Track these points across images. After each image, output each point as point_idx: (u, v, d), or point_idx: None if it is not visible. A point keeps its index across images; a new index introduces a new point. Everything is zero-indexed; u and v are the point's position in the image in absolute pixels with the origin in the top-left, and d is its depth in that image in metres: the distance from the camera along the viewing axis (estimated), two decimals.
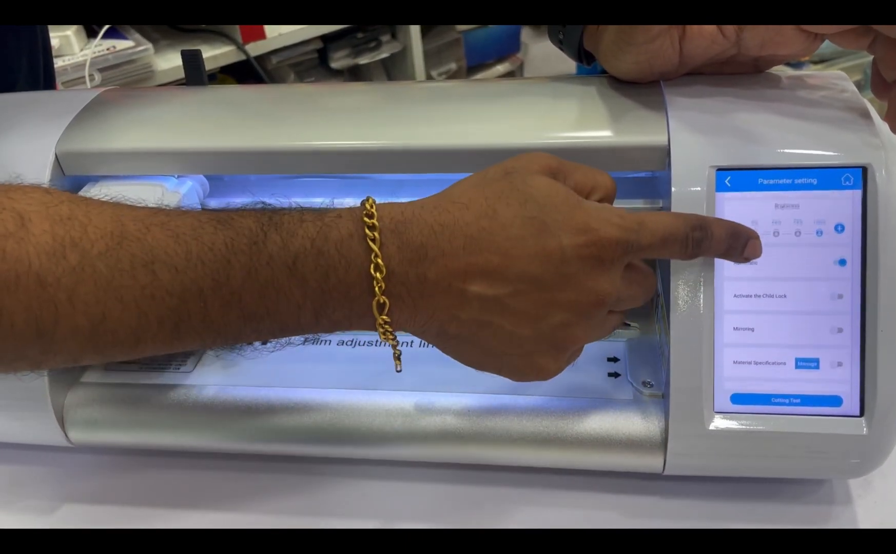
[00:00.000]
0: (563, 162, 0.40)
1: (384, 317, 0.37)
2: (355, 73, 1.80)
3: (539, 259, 0.36)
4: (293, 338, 0.39)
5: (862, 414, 0.42)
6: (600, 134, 0.44)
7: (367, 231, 0.36)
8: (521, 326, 0.38)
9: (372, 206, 0.37)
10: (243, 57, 1.53)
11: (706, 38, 0.42)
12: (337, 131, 0.48)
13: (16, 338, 0.33)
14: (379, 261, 0.36)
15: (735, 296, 0.42)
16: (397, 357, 0.41)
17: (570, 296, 0.37)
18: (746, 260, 0.40)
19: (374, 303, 0.36)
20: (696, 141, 0.42)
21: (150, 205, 0.37)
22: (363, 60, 1.76)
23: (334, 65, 1.74)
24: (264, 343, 0.40)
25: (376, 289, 0.36)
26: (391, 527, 0.47)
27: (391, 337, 0.38)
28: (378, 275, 0.36)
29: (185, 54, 0.58)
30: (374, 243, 0.36)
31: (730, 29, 0.41)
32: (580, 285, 0.37)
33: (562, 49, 0.51)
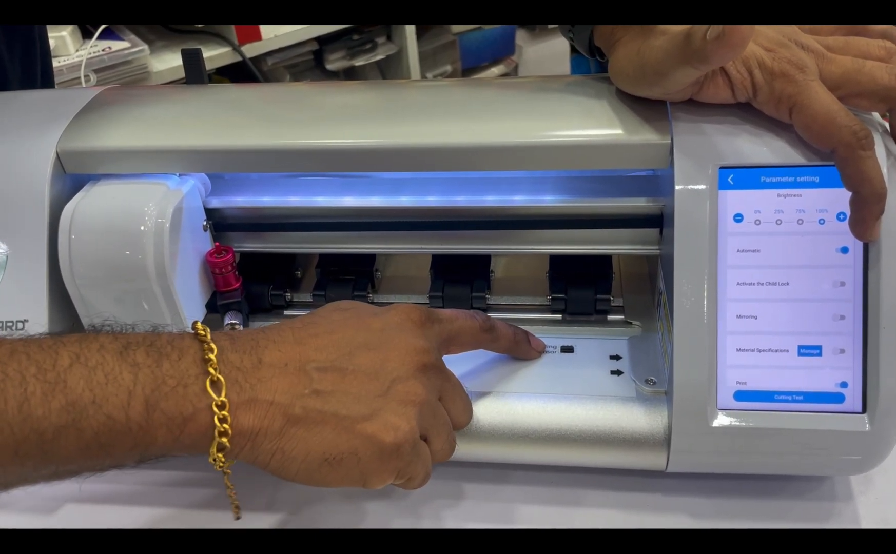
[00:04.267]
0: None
1: (221, 398, 0.35)
2: (350, 75, 1.80)
3: (363, 329, 0.41)
4: (120, 466, 0.36)
5: (864, 411, 0.42)
6: (604, 132, 0.44)
7: (199, 331, 0.37)
8: (365, 383, 0.39)
9: (200, 324, 0.38)
10: (239, 58, 1.53)
11: (719, 99, 0.43)
12: (338, 130, 0.48)
13: None
14: (211, 345, 0.36)
15: (738, 284, 0.42)
16: (236, 506, 0.43)
17: (397, 352, 0.40)
18: (538, 354, 0.50)
19: (209, 382, 0.35)
20: (699, 139, 0.43)
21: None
22: (358, 62, 1.76)
23: (330, 66, 1.74)
24: (79, 473, 0.36)
25: (210, 369, 0.35)
26: (392, 527, 0.47)
27: (227, 443, 0.35)
28: (211, 356, 0.36)
29: (185, 53, 0.58)
30: (206, 335, 0.37)
31: (742, 96, 0.42)
32: (402, 344, 0.41)
33: (572, 43, 0.51)
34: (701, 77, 0.42)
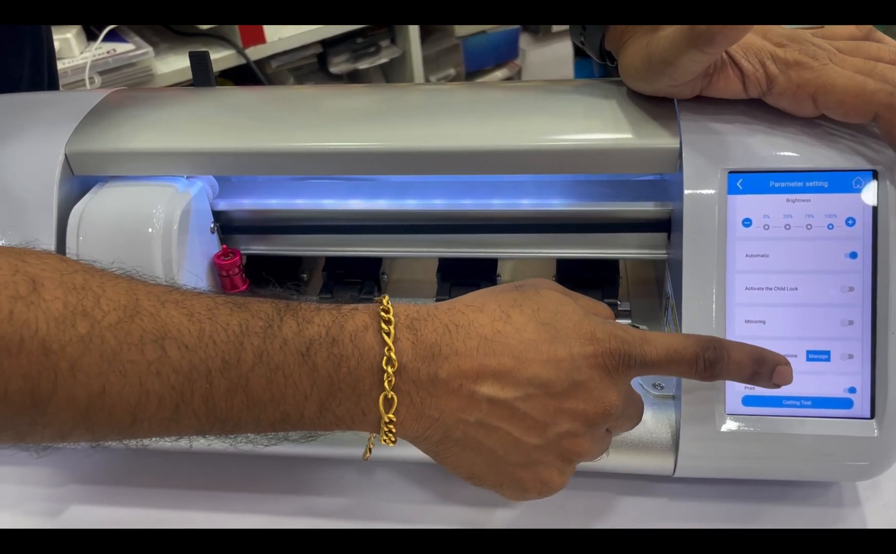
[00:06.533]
0: (568, 290, 0.41)
1: (390, 415, 0.36)
2: (354, 78, 1.80)
3: (551, 364, 0.37)
4: (291, 434, 0.38)
5: (872, 416, 0.42)
6: (613, 136, 0.44)
7: (382, 325, 0.36)
8: (529, 433, 0.37)
9: (387, 303, 0.37)
10: (243, 61, 1.53)
11: (729, 92, 0.43)
12: (345, 133, 0.48)
13: (7, 405, 0.31)
14: (392, 354, 0.35)
15: (747, 288, 0.42)
16: (369, 449, 0.43)
17: (578, 405, 0.37)
18: (776, 386, 0.39)
19: (382, 398, 0.36)
20: (708, 143, 0.43)
21: (163, 282, 0.37)
22: (362, 65, 1.76)
23: (333, 69, 1.74)
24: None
25: (386, 384, 0.35)
26: (399, 527, 0.47)
27: (392, 439, 0.37)
28: (389, 369, 0.35)
29: (193, 56, 0.58)
30: (389, 337, 0.36)
31: (755, 90, 0.42)
32: (589, 394, 0.37)
33: (582, 47, 0.51)
34: (709, 67, 0.42)
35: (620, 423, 0.40)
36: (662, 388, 0.46)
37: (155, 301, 0.34)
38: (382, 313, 0.36)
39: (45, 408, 0.32)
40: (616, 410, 0.38)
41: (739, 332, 0.42)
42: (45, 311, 0.31)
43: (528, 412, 0.37)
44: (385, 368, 0.35)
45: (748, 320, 0.42)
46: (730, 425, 0.42)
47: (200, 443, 0.49)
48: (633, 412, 0.41)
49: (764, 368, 0.39)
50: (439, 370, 0.36)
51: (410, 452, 0.47)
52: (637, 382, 0.47)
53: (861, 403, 0.42)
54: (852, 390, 0.42)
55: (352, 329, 0.36)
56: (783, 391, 0.42)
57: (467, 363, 0.36)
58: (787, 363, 0.39)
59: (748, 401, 0.43)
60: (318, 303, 0.37)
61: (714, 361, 0.38)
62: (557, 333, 0.37)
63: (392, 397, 0.36)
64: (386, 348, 0.35)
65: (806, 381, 0.42)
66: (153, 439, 0.37)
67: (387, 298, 0.37)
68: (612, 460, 0.45)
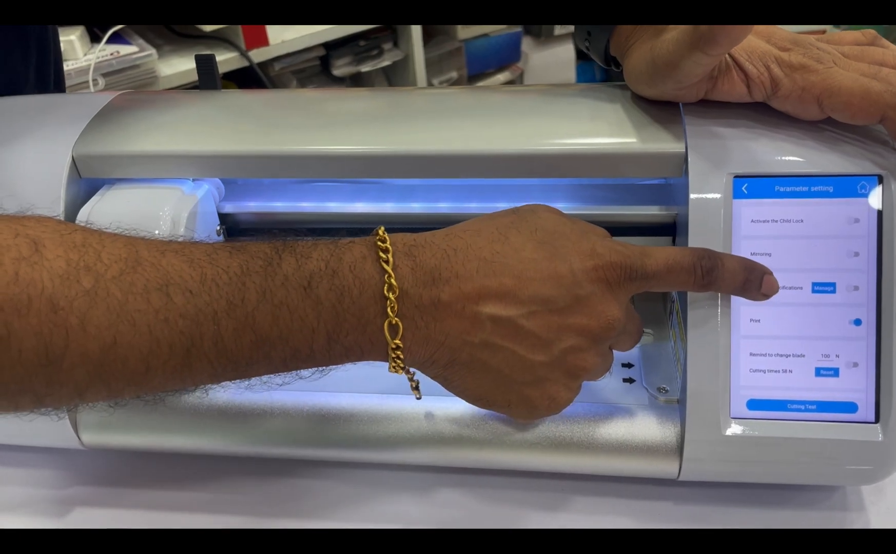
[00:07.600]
0: (565, 213, 0.42)
1: (396, 341, 0.37)
2: (357, 81, 1.80)
3: (551, 281, 0.37)
4: (303, 371, 0.38)
5: (877, 420, 0.42)
6: (618, 141, 0.45)
7: (380, 254, 0.37)
8: (534, 350, 0.38)
9: (383, 233, 0.38)
10: (246, 63, 1.54)
11: (734, 96, 0.43)
12: (351, 136, 0.48)
13: (23, 365, 0.32)
14: (392, 281, 0.36)
15: None
16: (415, 387, 0.42)
17: (581, 320, 0.38)
18: (765, 296, 0.41)
19: (386, 325, 0.36)
20: (714, 148, 0.43)
21: (162, 237, 0.37)
22: (365, 68, 1.77)
23: (336, 72, 1.75)
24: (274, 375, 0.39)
25: (389, 311, 0.36)
26: (408, 528, 0.47)
27: (401, 366, 0.38)
28: (391, 295, 0.36)
29: (199, 59, 0.58)
30: (388, 265, 0.36)
31: (759, 93, 0.42)
32: (591, 308, 0.38)
33: (587, 52, 0.51)
34: (714, 70, 0.42)
35: (622, 339, 0.41)
36: (667, 391, 0.46)
37: (154, 251, 0.35)
38: (379, 243, 0.37)
39: (60, 365, 0.32)
40: (618, 323, 0.39)
41: (745, 331, 0.42)
42: (48, 269, 0.32)
43: (531, 330, 0.37)
44: (387, 295, 0.36)
45: (753, 319, 0.42)
46: (734, 429, 0.43)
47: (203, 444, 0.49)
48: (633, 328, 0.42)
49: (754, 275, 0.40)
50: (441, 294, 0.37)
51: (423, 455, 0.47)
52: (641, 386, 0.48)
53: (865, 408, 0.42)
54: (857, 394, 0.42)
55: (350, 260, 0.37)
56: (788, 395, 0.43)
57: (468, 285, 0.37)
58: (772, 273, 0.41)
59: (753, 405, 0.43)
60: (315, 239, 0.38)
61: (710, 268, 0.40)
62: (556, 250, 0.38)
63: (396, 323, 0.36)
64: (386, 276, 0.36)
65: (811, 385, 0.42)
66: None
67: (383, 228, 0.38)
68: (617, 464, 0.46)
